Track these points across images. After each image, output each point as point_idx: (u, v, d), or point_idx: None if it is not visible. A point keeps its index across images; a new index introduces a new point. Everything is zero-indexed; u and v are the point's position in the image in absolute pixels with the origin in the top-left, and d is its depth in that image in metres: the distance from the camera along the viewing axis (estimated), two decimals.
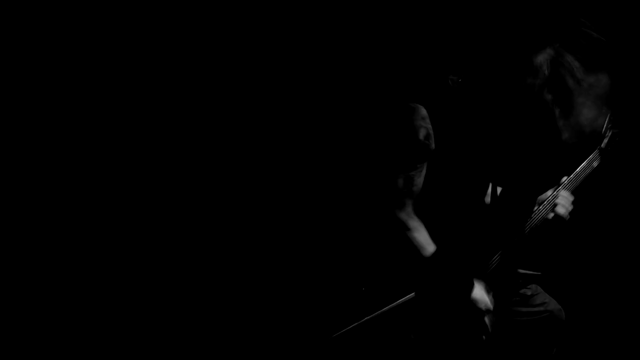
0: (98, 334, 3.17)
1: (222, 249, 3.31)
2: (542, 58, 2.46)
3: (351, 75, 3.36)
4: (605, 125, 2.85)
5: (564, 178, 2.79)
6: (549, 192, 2.78)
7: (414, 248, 2.51)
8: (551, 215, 2.72)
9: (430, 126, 2.49)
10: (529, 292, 2.83)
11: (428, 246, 2.51)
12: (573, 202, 2.76)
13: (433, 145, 2.50)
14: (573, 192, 2.79)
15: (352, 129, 3.36)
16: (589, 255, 3.71)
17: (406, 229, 2.50)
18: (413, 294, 2.56)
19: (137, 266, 3.22)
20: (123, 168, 3.20)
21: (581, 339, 3.55)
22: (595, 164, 2.84)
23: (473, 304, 2.56)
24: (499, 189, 2.80)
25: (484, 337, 2.59)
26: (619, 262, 3.70)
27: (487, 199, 2.80)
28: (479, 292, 2.58)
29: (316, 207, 3.40)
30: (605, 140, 2.86)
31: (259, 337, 3.28)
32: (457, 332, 2.59)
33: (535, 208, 2.75)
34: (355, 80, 3.36)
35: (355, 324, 2.51)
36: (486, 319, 2.59)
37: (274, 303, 3.34)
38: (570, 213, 2.75)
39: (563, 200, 2.73)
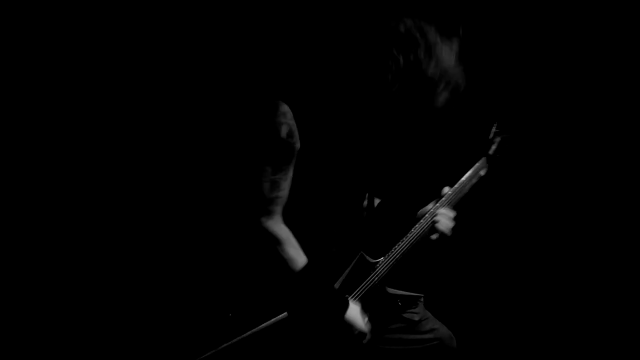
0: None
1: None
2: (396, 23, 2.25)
3: (211, 74, 3.15)
4: (492, 131, 2.70)
5: (446, 188, 2.59)
6: (430, 206, 2.58)
7: (283, 261, 2.26)
8: (434, 235, 2.51)
9: (292, 122, 2.24)
10: (416, 318, 2.59)
11: (299, 258, 2.26)
12: (455, 219, 2.55)
13: (298, 144, 2.26)
14: (457, 205, 2.58)
15: (211, 132, 3.14)
16: (475, 274, 3.56)
17: (274, 240, 2.25)
18: (285, 314, 2.32)
19: None
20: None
21: None
22: (482, 172, 2.65)
23: (348, 326, 2.32)
24: (376, 200, 2.59)
25: None
26: (509, 280, 3.54)
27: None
28: (354, 314, 2.34)
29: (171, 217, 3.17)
30: (493, 147, 2.69)
31: None
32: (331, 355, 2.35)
33: (414, 226, 2.52)
34: (213, 79, 3.15)
35: (213, 351, 2.26)
36: (362, 342, 2.36)
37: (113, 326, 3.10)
38: (453, 229, 2.54)
39: (443, 217, 2.52)
